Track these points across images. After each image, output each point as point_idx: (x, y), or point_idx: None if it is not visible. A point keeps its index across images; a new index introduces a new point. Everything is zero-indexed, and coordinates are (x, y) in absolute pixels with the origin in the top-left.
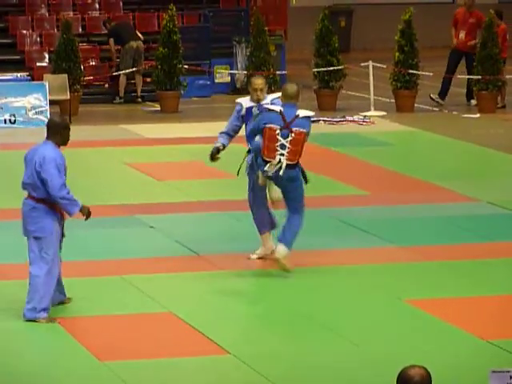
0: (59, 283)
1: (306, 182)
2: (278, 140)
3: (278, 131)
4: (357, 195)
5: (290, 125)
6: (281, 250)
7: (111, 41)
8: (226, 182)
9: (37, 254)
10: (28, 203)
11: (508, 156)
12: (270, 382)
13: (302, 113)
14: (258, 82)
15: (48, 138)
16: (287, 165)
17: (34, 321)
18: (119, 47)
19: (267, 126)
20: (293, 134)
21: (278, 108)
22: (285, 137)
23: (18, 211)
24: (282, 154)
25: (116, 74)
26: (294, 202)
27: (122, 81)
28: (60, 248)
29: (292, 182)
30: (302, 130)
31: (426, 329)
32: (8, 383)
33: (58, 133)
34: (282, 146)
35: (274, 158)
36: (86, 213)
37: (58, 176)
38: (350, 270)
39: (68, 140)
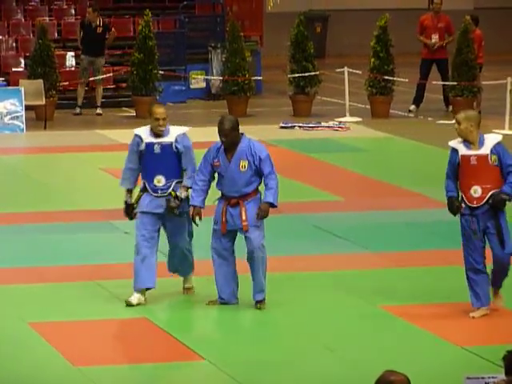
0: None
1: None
2: None
3: None
4: (331, 201)
5: None
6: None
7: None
8: None
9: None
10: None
11: None
12: None
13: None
14: (160, 110)
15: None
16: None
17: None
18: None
19: None
20: None
21: None
22: None
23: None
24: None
25: (92, 79)
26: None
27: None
28: None
29: None
30: None
31: (401, 335)
32: None
33: None
34: None
35: None
36: None
37: None
38: (323, 275)
39: None
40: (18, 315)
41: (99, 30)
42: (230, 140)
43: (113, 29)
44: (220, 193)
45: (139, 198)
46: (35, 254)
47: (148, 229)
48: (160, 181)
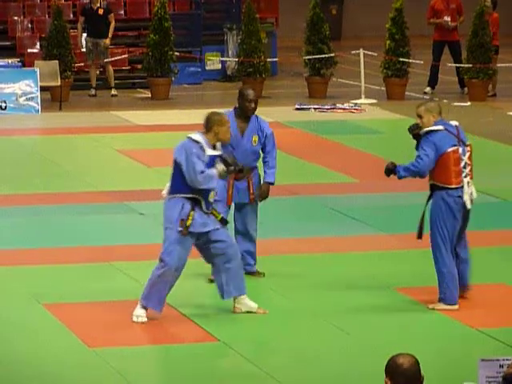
0: None
1: None
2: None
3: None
4: (346, 183)
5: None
6: None
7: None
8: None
9: None
10: None
11: (498, 144)
12: (258, 367)
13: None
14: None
15: None
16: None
17: None
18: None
19: (450, 149)
20: (468, 148)
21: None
22: (464, 154)
23: (6, 197)
24: (467, 175)
25: (107, 60)
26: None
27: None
28: None
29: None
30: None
31: (415, 317)
32: None
33: None
34: (465, 166)
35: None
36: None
37: None
38: (340, 257)
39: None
40: (32, 296)
41: (100, 11)
42: (256, 108)
43: (112, 14)
44: None
45: (193, 217)
46: (50, 236)
47: (187, 253)
48: (212, 196)
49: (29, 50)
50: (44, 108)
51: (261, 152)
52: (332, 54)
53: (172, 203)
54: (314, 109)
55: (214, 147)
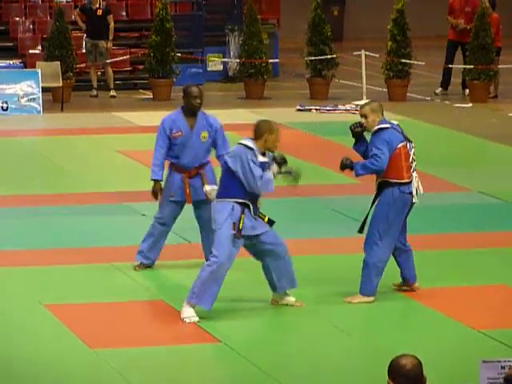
0: None
1: None
2: (410, 156)
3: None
4: (348, 184)
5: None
6: None
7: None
8: (218, 170)
9: None
10: None
11: (499, 146)
12: (259, 369)
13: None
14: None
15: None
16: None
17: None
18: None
19: (400, 145)
20: (413, 144)
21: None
22: (411, 149)
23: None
24: (414, 170)
25: (109, 61)
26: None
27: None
28: None
29: None
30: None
31: (416, 318)
32: None
33: None
34: (412, 161)
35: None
36: None
37: None
38: (341, 258)
39: None
40: (33, 297)
41: (99, 12)
42: (201, 103)
43: (111, 15)
44: (172, 164)
45: (243, 220)
46: (51, 236)
47: (236, 253)
48: (261, 202)
49: (30, 51)
50: (45, 109)
51: (213, 148)
52: (333, 56)
53: (221, 206)
54: (316, 110)
55: (263, 154)
